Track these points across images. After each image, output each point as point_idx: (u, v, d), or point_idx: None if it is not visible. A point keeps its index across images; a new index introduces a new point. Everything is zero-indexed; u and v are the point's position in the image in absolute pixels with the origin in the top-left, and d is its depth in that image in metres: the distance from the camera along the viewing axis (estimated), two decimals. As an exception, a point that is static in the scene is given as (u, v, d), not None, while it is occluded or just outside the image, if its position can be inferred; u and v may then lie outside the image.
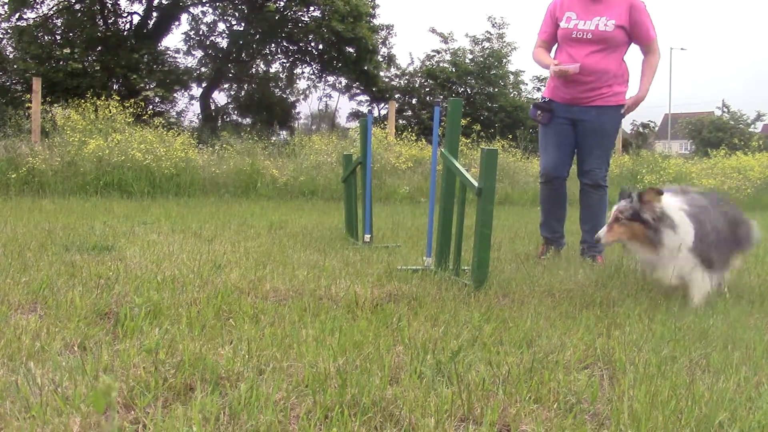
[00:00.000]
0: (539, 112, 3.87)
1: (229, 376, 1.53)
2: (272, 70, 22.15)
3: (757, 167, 12.13)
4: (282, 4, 19.38)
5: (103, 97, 9.66)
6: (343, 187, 4.83)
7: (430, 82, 21.05)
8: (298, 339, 1.83)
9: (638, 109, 3.99)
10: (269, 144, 10.79)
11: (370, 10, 19.78)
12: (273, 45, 21.09)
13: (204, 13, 20.59)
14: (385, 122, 11.49)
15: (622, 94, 3.82)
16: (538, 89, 21.75)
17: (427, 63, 21.39)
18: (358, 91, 21.91)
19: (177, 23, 20.53)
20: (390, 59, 21.47)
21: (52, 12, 18.08)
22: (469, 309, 2.33)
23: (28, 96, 9.39)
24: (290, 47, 21.06)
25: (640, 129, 22.58)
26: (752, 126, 26.18)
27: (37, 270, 2.68)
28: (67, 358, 1.62)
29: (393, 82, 21.52)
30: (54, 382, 1.45)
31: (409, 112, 20.97)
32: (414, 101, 21.09)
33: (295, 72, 22.16)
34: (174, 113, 19.52)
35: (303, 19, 19.73)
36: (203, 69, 20.96)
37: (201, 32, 20.76)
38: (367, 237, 4.20)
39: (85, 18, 18.38)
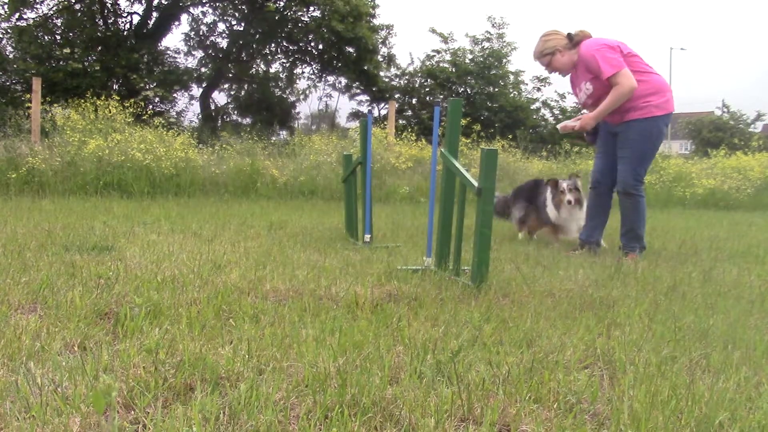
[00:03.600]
0: (585, 133, 4.26)
1: (229, 376, 1.53)
2: (272, 70, 22.15)
3: (757, 167, 12.13)
4: (282, 4, 19.38)
5: (103, 97, 9.66)
6: (343, 187, 4.83)
7: (430, 82, 21.04)
8: (298, 339, 1.83)
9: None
10: (269, 144, 10.80)
11: (370, 10, 19.76)
12: (273, 45, 21.08)
13: (204, 14, 20.60)
14: (385, 122, 11.49)
15: (649, 105, 3.96)
16: (538, 89, 21.78)
17: (427, 63, 21.38)
18: (358, 91, 21.90)
19: (177, 23, 20.55)
20: (390, 59, 21.45)
21: (52, 12, 18.08)
22: (469, 309, 2.33)
23: (28, 96, 9.39)
24: (290, 47, 21.05)
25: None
26: (752, 126, 26.16)
27: (37, 270, 2.68)
28: (67, 358, 1.62)
29: (393, 82, 21.50)
30: (54, 382, 1.45)
31: (409, 112, 20.96)
32: (414, 101, 21.08)
33: (295, 72, 22.15)
34: (174, 113, 19.52)
35: (303, 19, 19.72)
36: (203, 69, 20.96)
37: (201, 32, 20.76)
38: (367, 237, 4.20)
39: (85, 18, 18.38)
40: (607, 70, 3.81)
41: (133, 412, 1.34)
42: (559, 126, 4.18)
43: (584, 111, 4.33)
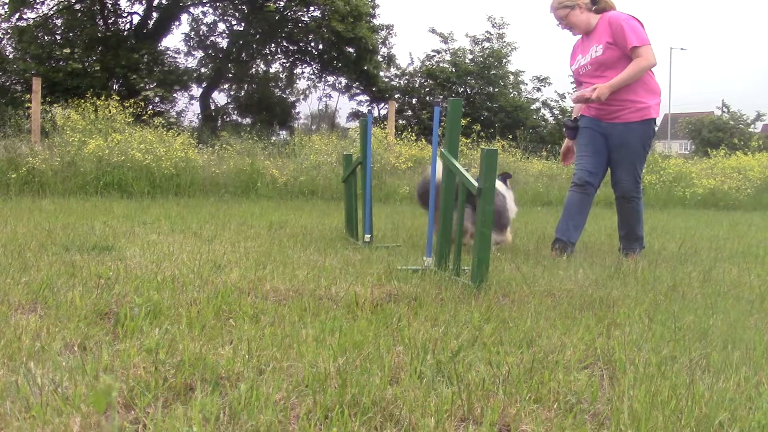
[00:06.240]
0: (565, 129, 4.24)
1: (229, 376, 1.53)
2: (272, 70, 22.19)
3: (757, 167, 12.14)
4: (282, 4, 19.39)
5: (103, 97, 9.66)
6: (343, 187, 4.83)
7: (430, 82, 21.06)
8: (298, 339, 1.83)
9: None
10: (269, 144, 10.79)
11: (370, 10, 19.79)
12: (273, 45, 21.11)
13: (204, 14, 20.63)
14: (385, 122, 11.49)
15: (648, 107, 3.89)
16: (538, 89, 21.80)
17: (427, 63, 21.40)
18: (358, 91, 21.92)
19: (177, 23, 20.58)
20: (390, 59, 21.48)
21: (52, 12, 18.09)
22: (469, 309, 2.33)
23: (28, 96, 9.40)
24: (290, 47, 21.07)
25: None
26: (752, 126, 26.18)
27: (37, 270, 2.68)
28: (67, 358, 1.62)
29: (393, 82, 21.53)
30: (54, 382, 1.45)
31: (409, 112, 20.98)
32: (414, 101, 21.10)
33: (295, 72, 22.19)
34: (174, 113, 19.54)
35: (303, 19, 19.74)
36: (203, 69, 20.97)
37: (201, 32, 20.77)
38: (367, 237, 4.19)
39: (85, 18, 18.39)
40: (633, 39, 3.72)
41: (133, 412, 1.34)
42: (574, 96, 3.96)
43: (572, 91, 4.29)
